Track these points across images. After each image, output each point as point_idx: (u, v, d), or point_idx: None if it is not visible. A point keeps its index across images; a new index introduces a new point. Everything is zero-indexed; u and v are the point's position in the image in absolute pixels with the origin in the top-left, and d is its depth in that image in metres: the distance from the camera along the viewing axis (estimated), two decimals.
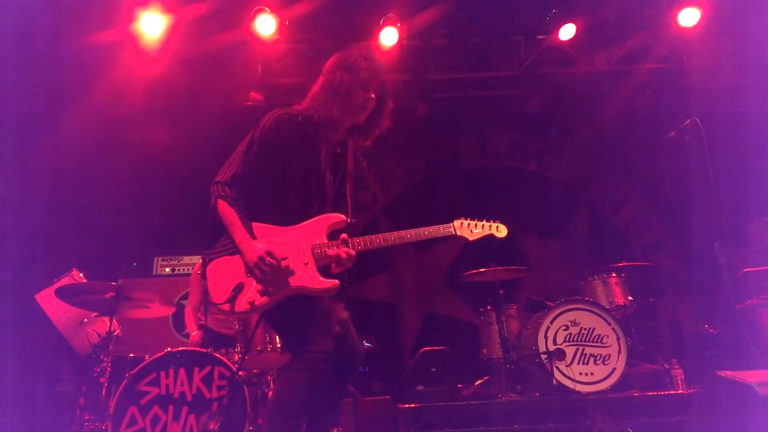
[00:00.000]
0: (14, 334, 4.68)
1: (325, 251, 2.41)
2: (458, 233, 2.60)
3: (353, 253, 2.41)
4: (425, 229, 2.54)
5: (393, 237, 2.47)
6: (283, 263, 2.35)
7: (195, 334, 4.20)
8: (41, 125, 5.40)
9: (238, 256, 2.36)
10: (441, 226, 2.58)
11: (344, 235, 2.45)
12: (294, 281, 2.36)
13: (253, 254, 2.31)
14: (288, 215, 2.45)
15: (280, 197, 2.46)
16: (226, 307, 2.29)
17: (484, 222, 2.68)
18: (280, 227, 2.44)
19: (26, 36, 4.99)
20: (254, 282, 2.33)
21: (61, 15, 5.18)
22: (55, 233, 5.33)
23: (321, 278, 2.38)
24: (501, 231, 2.68)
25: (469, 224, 2.64)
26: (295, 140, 2.48)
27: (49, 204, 5.40)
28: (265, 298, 2.33)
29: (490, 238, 2.69)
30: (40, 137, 5.42)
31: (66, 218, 5.52)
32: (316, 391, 2.33)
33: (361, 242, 2.45)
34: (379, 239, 2.47)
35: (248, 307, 2.31)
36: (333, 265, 2.43)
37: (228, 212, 2.38)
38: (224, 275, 2.36)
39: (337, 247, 2.41)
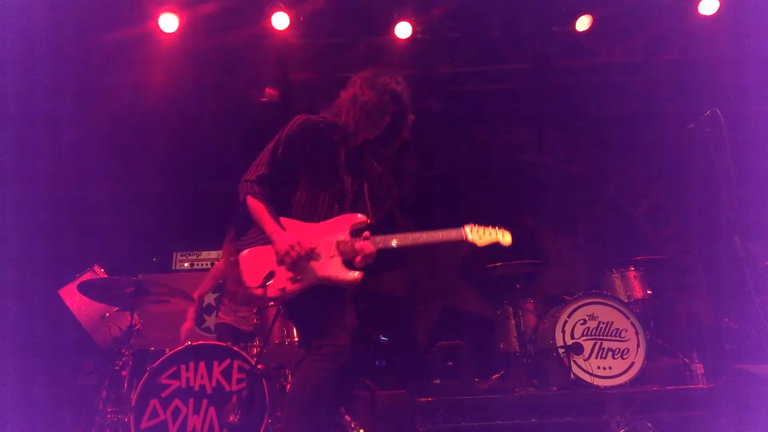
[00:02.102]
0: (40, 330, 4.77)
1: (350, 246, 2.57)
2: (470, 238, 2.71)
3: (374, 249, 2.58)
4: (439, 232, 2.68)
5: (410, 238, 2.64)
6: (311, 254, 2.51)
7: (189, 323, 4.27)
8: (69, 123, 5.47)
9: (269, 247, 2.51)
10: (453, 231, 2.71)
11: (367, 233, 2.61)
12: (321, 271, 2.53)
13: (284, 243, 2.47)
14: (311, 214, 2.63)
15: (303, 197, 2.63)
16: (259, 291, 2.44)
17: (491, 229, 2.77)
18: (305, 223, 2.60)
19: (27, 34, 5.03)
20: (285, 270, 2.48)
21: (68, 11, 5.21)
22: (74, 231, 5.42)
23: (346, 270, 2.55)
24: (506, 238, 2.77)
25: (478, 230, 2.74)
26: (317, 144, 2.66)
27: (72, 201, 5.48)
28: (295, 285, 2.48)
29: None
30: (61, 136, 5.50)
31: (84, 215, 5.61)
32: (332, 384, 2.42)
33: (382, 240, 2.61)
34: (397, 239, 2.63)
35: (280, 293, 2.47)
36: (358, 259, 2.58)
37: (257, 207, 2.55)
38: (256, 264, 2.51)
39: (361, 243, 2.57)
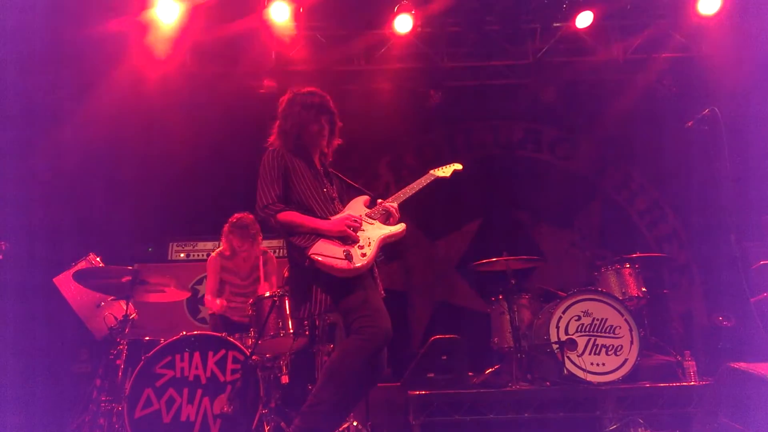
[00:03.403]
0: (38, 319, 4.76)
1: (378, 211, 2.93)
2: (439, 175, 3.33)
3: (396, 207, 2.97)
4: (420, 180, 3.24)
5: (406, 192, 3.12)
6: (360, 226, 2.81)
7: (219, 303, 4.30)
8: (69, 104, 5.44)
9: (324, 239, 2.73)
10: (426, 176, 3.30)
11: (380, 200, 3.01)
12: (377, 235, 2.82)
13: (338, 223, 2.76)
14: (318, 216, 2.86)
15: (307, 207, 2.86)
16: (348, 265, 2.64)
17: (448, 165, 3.41)
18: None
19: (27, 33, 5.01)
20: (351, 249, 2.71)
21: (66, 4, 5.19)
22: (72, 222, 5.41)
23: (393, 226, 2.92)
24: (458, 165, 3.43)
25: (442, 168, 3.38)
26: (292, 165, 2.92)
27: (70, 192, 5.46)
28: (369, 252, 2.73)
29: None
30: (61, 133, 5.47)
31: (81, 206, 5.60)
32: (368, 364, 2.60)
33: (393, 199, 3.01)
34: (401, 195, 3.08)
35: (366, 259, 2.70)
36: (393, 216, 2.94)
37: (292, 215, 2.80)
38: (330, 252, 2.69)
39: (384, 206, 2.95)
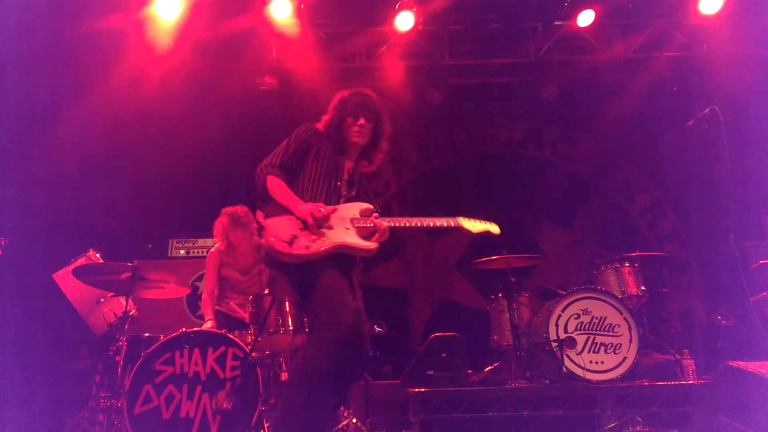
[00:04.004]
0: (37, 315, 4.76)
1: (364, 222, 2.84)
2: (465, 225, 3.03)
3: (387, 226, 2.84)
4: (438, 219, 2.98)
5: (415, 221, 2.93)
6: (327, 221, 2.73)
7: (210, 323, 4.25)
8: (69, 101, 5.44)
9: (289, 216, 2.73)
10: (451, 219, 3.02)
11: (376, 214, 2.91)
12: (339, 238, 2.73)
13: (306, 207, 2.72)
14: (314, 197, 2.83)
15: (308, 189, 2.85)
16: (286, 248, 2.62)
17: (481, 221, 3.10)
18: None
19: (27, 33, 5.00)
20: (307, 234, 2.69)
21: (66, 2, 5.19)
22: (72, 221, 5.41)
23: (361, 239, 2.79)
24: (495, 228, 3.11)
25: (471, 220, 3.08)
26: (318, 148, 2.93)
27: (70, 190, 5.46)
28: (316, 246, 2.67)
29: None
30: (65, 112, 5.47)
31: (82, 204, 5.60)
32: (335, 360, 2.53)
33: (391, 221, 2.88)
34: (403, 221, 2.92)
35: (306, 251, 2.65)
36: (376, 236, 2.83)
37: (279, 184, 2.81)
38: (281, 229, 2.70)
39: (373, 220, 2.84)
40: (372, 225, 2.82)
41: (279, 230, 2.69)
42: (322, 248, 2.67)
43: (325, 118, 3.05)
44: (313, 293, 2.66)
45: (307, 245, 2.66)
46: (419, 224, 2.94)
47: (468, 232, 3.01)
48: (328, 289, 2.64)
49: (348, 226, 2.80)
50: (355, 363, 2.73)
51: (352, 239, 2.77)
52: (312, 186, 2.85)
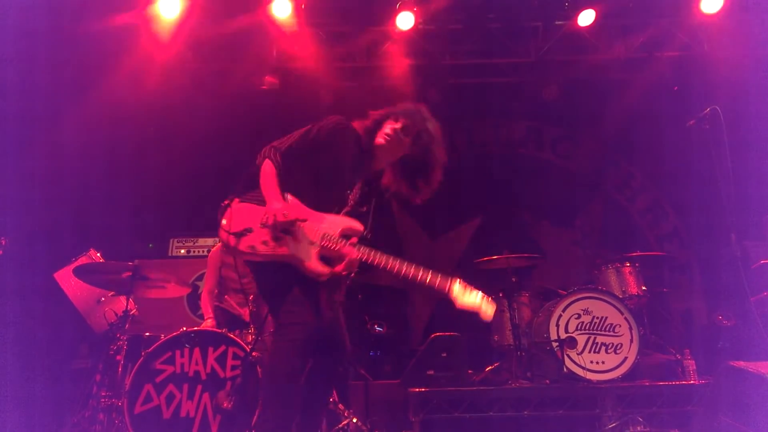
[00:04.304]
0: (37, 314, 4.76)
1: (335, 244, 2.56)
2: (453, 294, 2.54)
3: (357, 257, 2.55)
4: (427, 273, 2.55)
5: (395, 265, 2.54)
6: (292, 228, 2.50)
7: (210, 322, 4.24)
8: (70, 100, 5.45)
9: (262, 208, 2.52)
10: (440, 279, 2.55)
11: (354, 239, 2.60)
12: (293, 250, 2.50)
13: (274, 205, 2.48)
14: (308, 195, 2.64)
15: (310, 185, 2.66)
16: (232, 240, 2.47)
17: (477, 293, 2.55)
18: (304, 206, 2.61)
19: (27, 33, 5.00)
20: (263, 233, 2.49)
21: (66, 1, 5.18)
22: (72, 219, 5.41)
23: (317, 260, 2.54)
24: (489, 311, 2.54)
25: (465, 288, 2.55)
26: (340, 147, 2.70)
27: (71, 191, 5.46)
28: (263, 249, 2.49)
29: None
30: (61, 130, 5.47)
31: (82, 203, 5.60)
32: (302, 359, 2.48)
33: (367, 253, 2.55)
34: (382, 260, 2.56)
35: (249, 250, 2.50)
36: (341, 265, 2.57)
37: (270, 171, 2.58)
38: (242, 217, 2.53)
39: (345, 246, 2.56)
40: (338, 250, 2.53)
41: (238, 217, 2.51)
42: (268, 253, 2.48)
43: (374, 113, 2.81)
44: (271, 289, 2.60)
45: (254, 245, 2.48)
46: (401, 272, 2.52)
47: (452, 302, 2.53)
48: (293, 290, 2.51)
49: (315, 241, 2.54)
50: (327, 363, 2.64)
51: (305, 255, 2.50)
52: (315, 186, 2.64)
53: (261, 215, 2.50)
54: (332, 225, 2.59)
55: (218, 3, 5.73)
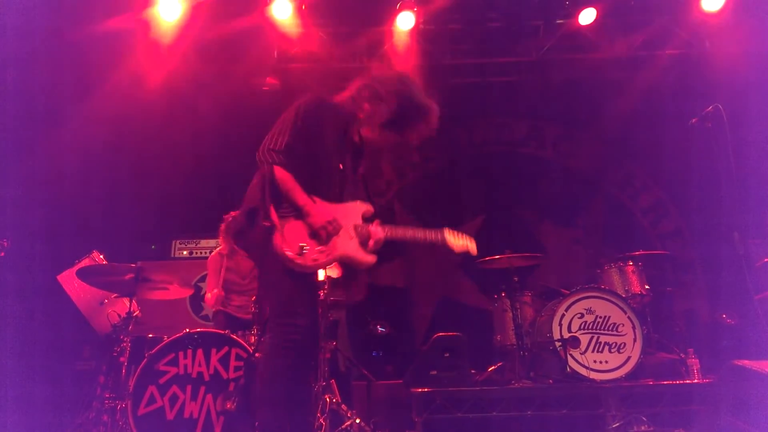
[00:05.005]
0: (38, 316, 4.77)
1: (365, 230, 2.72)
2: (448, 242, 2.90)
3: (384, 236, 2.74)
4: (431, 234, 2.88)
5: (409, 233, 2.85)
6: (338, 234, 2.61)
7: (216, 291, 4.27)
8: (70, 101, 5.45)
9: (300, 222, 2.56)
10: (437, 233, 2.90)
11: (377, 221, 2.78)
12: (344, 250, 2.65)
13: (321, 218, 2.54)
14: (317, 189, 2.64)
15: (313, 171, 2.65)
16: (297, 259, 2.51)
17: (466, 236, 2.97)
18: (324, 202, 2.64)
19: (27, 33, 5.00)
20: (315, 245, 2.57)
21: (66, 3, 5.18)
22: (74, 220, 5.41)
23: (364, 252, 2.71)
24: (474, 247, 2.96)
25: (455, 234, 2.94)
26: (329, 124, 2.71)
27: (72, 191, 5.47)
28: (324, 258, 2.59)
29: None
30: (67, 111, 5.47)
31: (84, 204, 5.61)
32: (298, 360, 2.48)
33: (389, 230, 2.78)
34: (400, 232, 2.83)
35: (314, 264, 2.56)
36: (371, 243, 2.72)
37: (287, 177, 2.55)
38: (292, 236, 2.55)
39: (372, 229, 2.73)
40: (367, 235, 2.71)
41: (289, 237, 2.53)
42: (330, 259, 2.61)
43: (352, 86, 2.84)
44: (273, 292, 2.60)
45: (315, 258, 2.56)
46: (411, 237, 2.85)
47: (450, 250, 2.89)
48: (299, 294, 2.54)
49: (352, 234, 2.69)
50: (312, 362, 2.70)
51: (355, 251, 2.68)
52: (317, 176, 2.64)
53: (304, 229, 2.55)
54: (354, 214, 2.74)
55: (219, 5, 5.74)
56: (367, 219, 2.79)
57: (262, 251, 2.57)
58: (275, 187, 2.54)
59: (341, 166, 2.74)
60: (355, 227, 2.71)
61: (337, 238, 2.60)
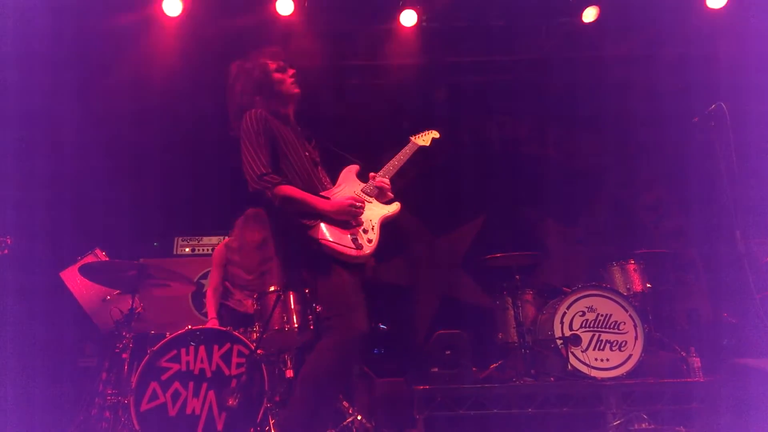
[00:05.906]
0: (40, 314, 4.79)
1: (371, 187, 2.79)
2: (420, 144, 3.23)
3: (388, 183, 2.83)
4: (404, 150, 3.12)
5: (394, 165, 2.98)
6: (364, 207, 2.66)
7: (213, 322, 4.26)
8: (71, 97, 5.46)
9: (324, 223, 2.55)
10: (409, 146, 3.18)
11: (372, 174, 2.85)
12: (375, 216, 2.70)
13: (341, 204, 2.57)
14: (310, 186, 2.68)
15: (297, 172, 2.69)
16: (358, 252, 2.52)
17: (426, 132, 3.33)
18: (319, 193, 2.67)
19: (27, 33, 5.00)
20: (358, 230, 2.60)
21: (66, 2, 5.19)
22: (75, 216, 5.42)
23: (388, 204, 2.80)
24: (435, 133, 3.36)
25: (421, 135, 3.31)
26: (275, 129, 2.73)
27: (73, 188, 5.48)
28: (373, 235, 2.62)
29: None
30: (65, 111, 5.48)
31: (86, 200, 5.62)
32: (343, 365, 2.47)
33: (386, 173, 2.88)
34: (392, 165, 2.96)
35: (372, 246, 2.60)
36: (388, 193, 2.83)
37: (292, 190, 2.58)
38: (336, 237, 2.54)
39: (378, 180, 2.81)
40: (380, 187, 2.79)
41: (337, 239, 2.51)
42: (377, 234, 2.63)
43: (242, 87, 2.86)
44: (332, 290, 2.53)
45: (369, 239, 2.59)
46: (397, 165, 2.98)
47: (424, 148, 3.19)
48: (345, 290, 2.50)
49: (368, 199, 2.74)
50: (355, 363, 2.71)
51: (384, 210, 2.75)
52: (298, 170, 2.67)
53: (334, 224, 2.55)
54: (352, 182, 2.80)
55: (220, 2, 5.73)
56: (361, 177, 2.85)
57: (312, 264, 2.56)
58: (292, 205, 2.55)
59: (307, 154, 2.78)
60: (364, 191, 2.77)
61: (365, 213, 2.64)
